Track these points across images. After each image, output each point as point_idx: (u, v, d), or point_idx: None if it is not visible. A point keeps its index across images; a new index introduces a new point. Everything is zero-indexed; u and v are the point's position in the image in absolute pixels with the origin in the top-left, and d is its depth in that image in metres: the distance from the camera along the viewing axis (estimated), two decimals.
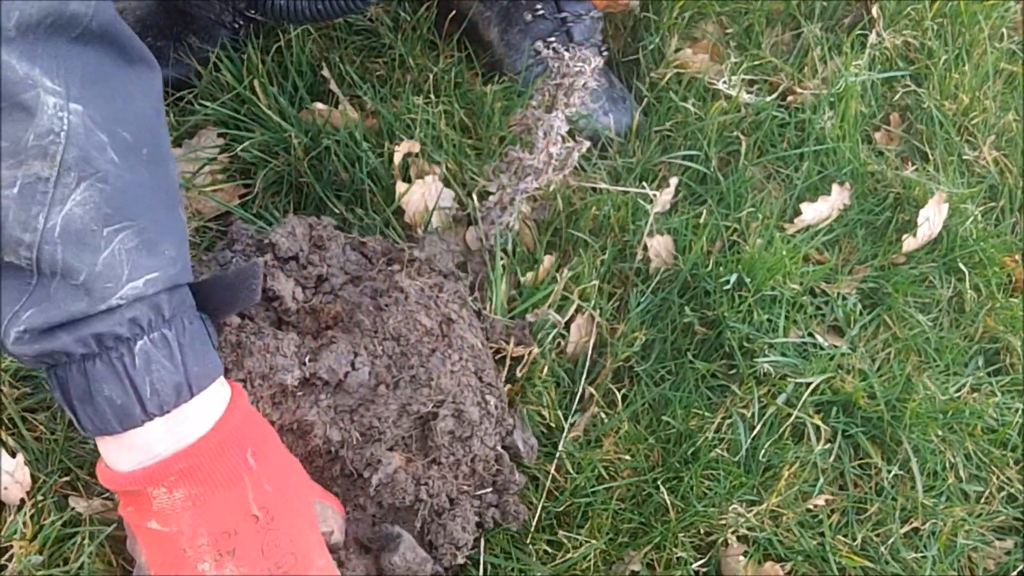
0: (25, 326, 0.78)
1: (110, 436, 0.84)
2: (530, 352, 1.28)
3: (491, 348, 1.26)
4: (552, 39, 1.59)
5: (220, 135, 1.39)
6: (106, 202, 0.77)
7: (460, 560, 1.12)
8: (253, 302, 0.92)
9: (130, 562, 1.09)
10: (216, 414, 0.88)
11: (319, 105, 1.41)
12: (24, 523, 1.11)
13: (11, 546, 1.10)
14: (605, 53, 1.55)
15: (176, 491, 0.84)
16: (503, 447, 1.20)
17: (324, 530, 0.98)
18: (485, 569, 1.17)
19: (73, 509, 1.13)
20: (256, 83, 1.39)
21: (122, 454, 0.85)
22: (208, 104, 1.38)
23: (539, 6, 1.59)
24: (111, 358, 0.80)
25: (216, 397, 0.88)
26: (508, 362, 1.28)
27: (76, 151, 0.75)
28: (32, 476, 1.14)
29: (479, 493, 1.16)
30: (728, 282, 1.40)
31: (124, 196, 0.78)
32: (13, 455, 1.15)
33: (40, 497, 1.13)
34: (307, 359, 1.07)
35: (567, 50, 1.20)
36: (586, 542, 1.20)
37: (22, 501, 1.13)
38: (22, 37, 0.71)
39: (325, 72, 1.45)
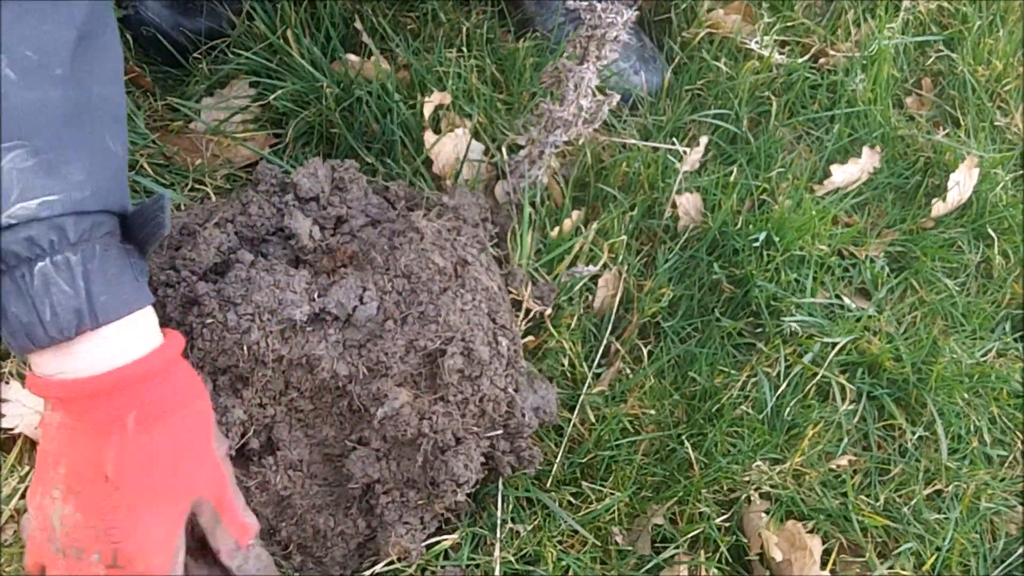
0: None
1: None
2: (544, 312, 1.28)
3: (511, 295, 1.26)
4: None
5: (252, 84, 1.40)
6: None
7: (460, 497, 1.12)
8: (162, 236, 0.87)
9: None
10: (125, 355, 0.85)
11: (352, 56, 1.41)
12: None
13: None
14: (637, 12, 1.54)
15: (56, 412, 0.85)
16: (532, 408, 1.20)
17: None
18: (506, 504, 1.18)
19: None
20: (289, 33, 1.39)
21: (38, 360, 0.85)
22: (241, 53, 1.39)
23: None
24: (14, 276, 0.79)
25: (134, 336, 0.85)
26: (525, 312, 1.28)
27: None
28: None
29: (489, 435, 1.16)
30: (757, 240, 1.39)
31: (17, 115, 0.77)
32: None
33: None
34: (316, 295, 1.08)
35: (600, 2, 1.19)
36: (610, 494, 1.21)
37: None
38: None
39: (358, 24, 1.45)
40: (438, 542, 1.14)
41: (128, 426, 0.83)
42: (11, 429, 1.13)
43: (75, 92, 0.80)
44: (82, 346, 0.82)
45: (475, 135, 1.39)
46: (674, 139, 1.47)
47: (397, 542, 1.10)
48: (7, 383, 1.15)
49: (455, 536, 1.15)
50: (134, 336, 0.85)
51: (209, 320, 1.06)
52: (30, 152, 0.77)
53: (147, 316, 0.87)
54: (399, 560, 1.12)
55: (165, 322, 1.11)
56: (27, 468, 1.11)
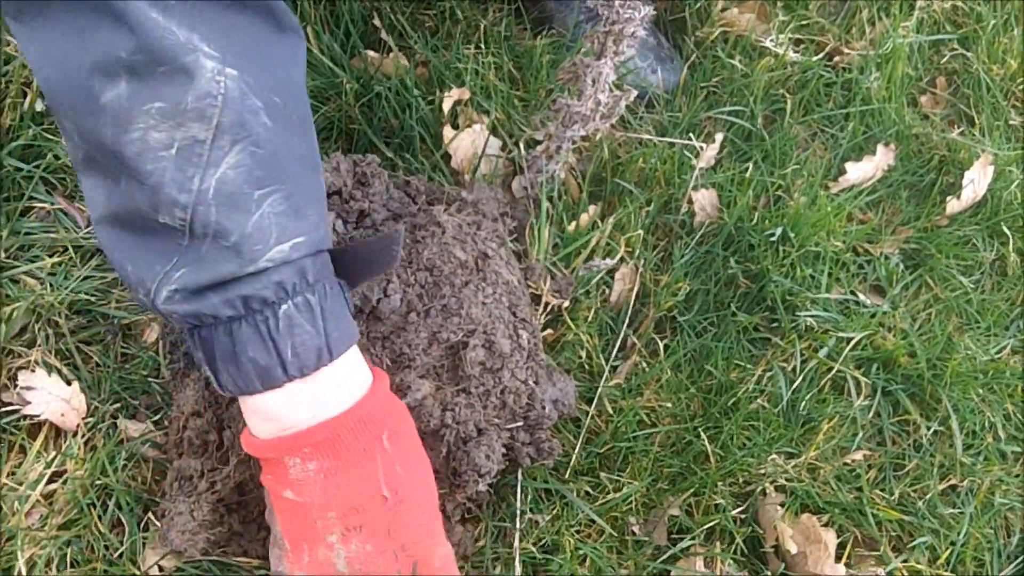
0: (177, 286, 0.80)
1: (250, 396, 0.86)
2: (561, 305, 1.29)
3: (530, 289, 1.28)
4: None
5: None
6: (258, 165, 0.78)
7: (482, 488, 1.13)
8: (392, 267, 0.93)
9: (160, 492, 1.12)
10: (353, 385, 0.89)
11: (371, 53, 1.43)
12: (79, 447, 1.14)
13: (66, 470, 1.13)
14: (654, 10, 1.55)
15: (310, 463, 0.86)
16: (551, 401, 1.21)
17: None
18: (525, 495, 1.19)
19: (122, 432, 1.16)
20: (308, 30, 1.40)
21: (264, 423, 0.88)
22: None
23: None
24: (256, 320, 0.81)
25: (352, 366, 0.89)
26: (544, 305, 1.30)
27: (232, 114, 0.76)
28: (87, 403, 1.17)
29: (509, 427, 1.17)
30: (773, 236, 1.40)
31: (275, 160, 0.79)
32: (69, 383, 1.18)
33: (93, 419, 1.16)
34: None
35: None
36: (628, 483, 1.22)
37: (78, 427, 1.16)
38: (180, 3, 0.73)
39: (376, 21, 1.46)
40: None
41: (386, 445, 0.88)
42: (37, 416, 1.14)
43: (307, 135, 0.84)
44: (323, 386, 0.86)
45: (492, 131, 1.40)
46: (690, 135, 1.48)
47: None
48: (33, 371, 1.17)
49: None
50: (357, 367, 0.90)
51: None
52: (284, 196, 0.80)
53: (356, 347, 0.91)
54: None
55: None
56: (53, 454, 1.13)
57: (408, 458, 0.91)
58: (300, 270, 0.82)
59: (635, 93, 1.28)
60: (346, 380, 0.88)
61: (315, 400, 0.86)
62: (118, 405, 1.19)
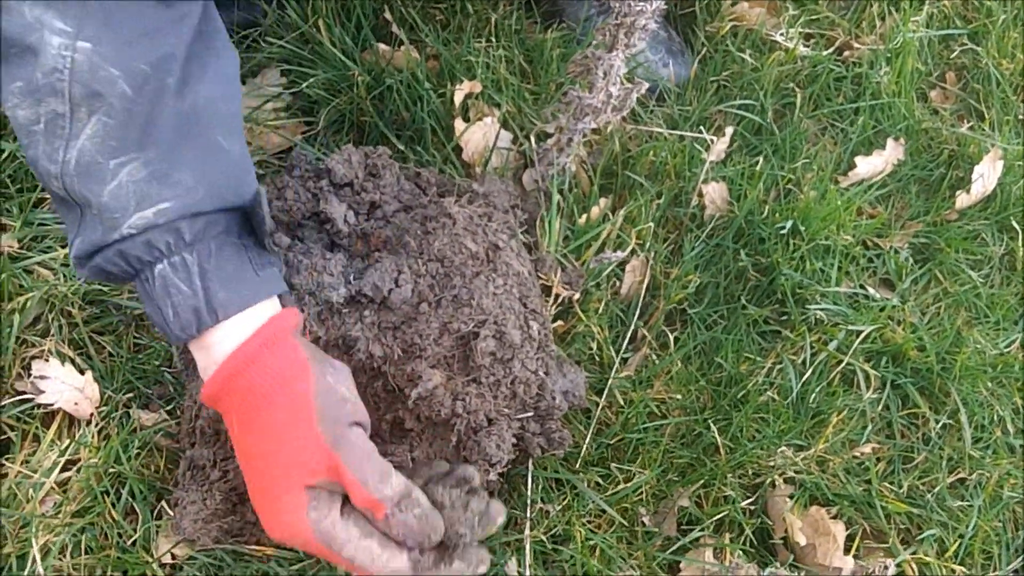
0: (75, 252, 0.83)
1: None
2: (572, 297, 1.30)
3: (540, 281, 1.28)
4: None
5: (283, 73, 1.42)
6: (110, 135, 0.79)
7: (492, 476, 1.14)
8: (266, 231, 0.90)
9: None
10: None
11: (382, 46, 1.43)
12: (92, 435, 1.15)
13: (79, 458, 1.14)
14: (664, 5, 1.56)
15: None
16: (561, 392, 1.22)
17: None
18: (536, 484, 1.20)
19: (135, 421, 1.17)
20: (320, 23, 1.41)
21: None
22: (274, 42, 1.41)
23: None
24: (141, 280, 0.83)
25: (247, 331, 0.85)
26: (555, 297, 1.30)
27: (81, 87, 0.77)
28: (100, 392, 1.18)
29: (520, 417, 1.18)
30: (784, 228, 1.41)
31: (130, 129, 0.79)
32: (82, 373, 1.18)
33: (106, 408, 1.17)
34: (352, 278, 1.10)
35: None
36: (638, 474, 1.22)
37: (91, 416, 1.17)
38: None
39: (388, 15, 1.47)
40: None
41: (234, 429, 0.87)
42: (51, 405, 1.15)
43: (186, 99, 0.83)
44: (213, 340, 0.84)
45: (503, 124, 1.41)
46: (701, 128, 1.48)
47: None
48: (46, 360, 1.18)
49: None
50: (252, 328, 0.86)
51: None
52: (142, 164, 0.80)
53: (272, 307, 0.88)
54: None
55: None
56: (67, 442, 1.14)
57: (254, 448, 0.87)
58: (175, 231, 0.81)
59: (646, 86, 1.28)
60: (240, 340, 0.85)
61: (204, 366, 0.86)
62: (131, 394, 1.20)
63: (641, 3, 1.18)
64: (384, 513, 0.88)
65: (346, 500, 0.88)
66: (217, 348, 0.85)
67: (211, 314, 0.83)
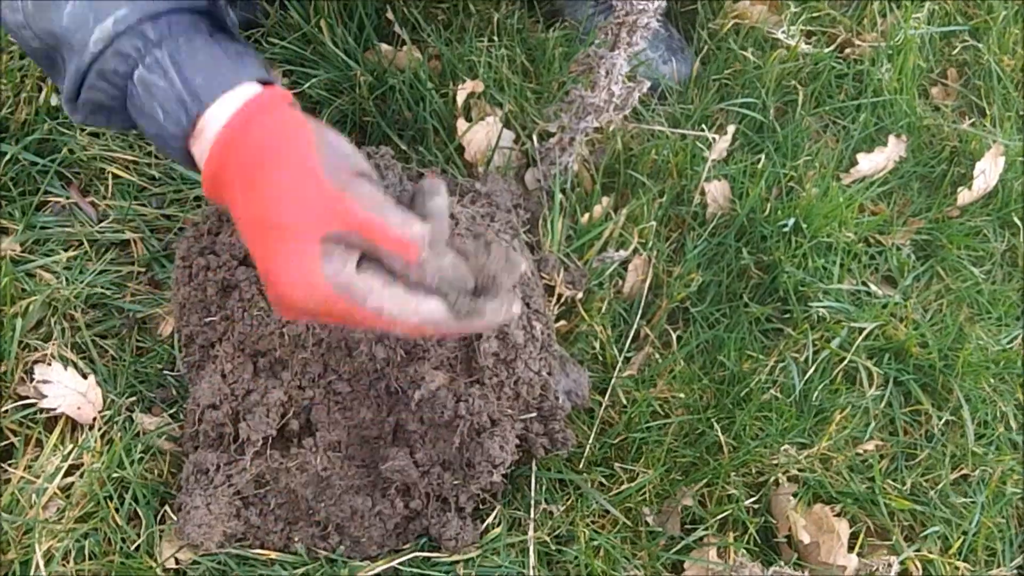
0: (65, 96, 0.86)
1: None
2: (575, 296, 1.30)
3: (544, 281, 1.28)
4: None
5: (285, 74, 1.41)
6: None
7: (496, 478, 1.14)
8: (233, 20, 0.90)
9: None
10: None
11: (384, 46, 1.43)
12: (95, 440, 1.15)
13: (83, 462, 1.14)
14: (665, 2, 1.56)
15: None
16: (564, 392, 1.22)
17: None
18: (540, 485, 1.20)
19: (138, 425, 1.17)
20: (323, 23, 1.41)
21: None
22: (276, 43, 1.41)
23: None
24: (130, 100, 0.84)
25: (236, 106, 0.84)
26: (557, 296, 1.30)
27: None
28: (103, 396, 1.18)
29: (523, 417, 1.18)
30: (786, 227, 1.41)
31: None
32: (85, 377, 1.18)
33: (109, 413, 1.17)
34: None
35: None
36: (642, 472, 1.23)
37: (94, 420, 1.17)
38: None
39: (389, 15, 1.47)
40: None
41: (237, 202, 0.82)
42: (54, 409, 1.15)
43: None
44: (204, 125, 0.83)
45: (505, 123, 1.41)
46: (703, 127, 1.48)
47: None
48: (49, 365, 1.18)
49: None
50: (243, 102, 0.84)
51: (250, 305, 1.08)
52: None
53: (258, 90, 0.85)
54: None
55: (207, 305, 1.14)
56: (70, 447, 1.14)
57: (260, 205, 0.82)
58: (140, 34, 0.82)
59: (648, 84, 1.29)
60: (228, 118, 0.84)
61: (201, 154, 0.84)
62: (134, 398, 1.20)
63: (643, 2, 1.18)
64: (417, 254, 0.81)
65: (362, 257, 0.82)
66: (210, 129, 0.83)
67: (195, 100, 0.82)
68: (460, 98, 1.38)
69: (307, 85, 1.37)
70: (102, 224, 1.30)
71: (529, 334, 1.17)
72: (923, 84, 1.71)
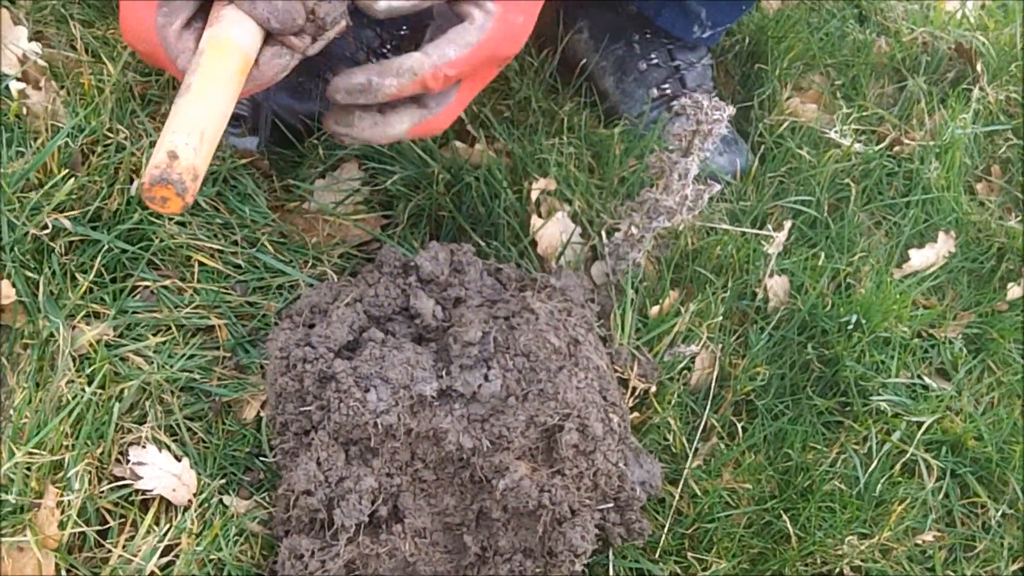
0: None
1: None
2: (648, 389, 1.34)
3: (617, 374, 1.33)
4: (666, 87, 1.67)
5: (364, 169, 1.48)
6: None
7: (577, 567, 1.17)
8: None
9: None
10: None
11: (458, 143, 1.49)
12: (191, 521, 1.18)
13: (179, 543, 1.18)
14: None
15: None
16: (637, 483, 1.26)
17: None
18: (616, 573, 1.23)
19: (232, 507, 1.21)
20: None
21: None
22: None
23: (653, 55, 1.67)
24: None
25: None
26: (631, 389, 1.34)
27: None
28: (196, 478, 1.22)
29: (601, 507, 1.22)
30: (849, 323, 1.45)
31: None
32: (178, 459, 1.23)
33: (204, 495, 1.21)
34: (443, 372, 1.15)
35: (705, 98, 1.27)
36: (715, 563, 1.26)
37: (189, 502, 1.21)
38: None
39: (461, 113, 1.53)
40: None
41: None
42: (149, 491, 1.19)
43: None
44: None
45: (572, 217, 1.46)
46: (767, 224, 1.54)
47: None
48: (144, 447, 1.22)
49: None
50: None
51: (347, 397, 1.13)
52: None
53: None
54: None
55: (303, 395, 1.18)
56: (165, 528, 1.17)
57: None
58: None
59: (719, 187, 1.34)
60: None
61: None
62: (223, 481, 1.24)
63: (717, 112, 1.24)
64: None
65: (195, 15, 0.91)
66: None
67: None
68: (534, 195, 1.44)
69: (389, 182, 1.43)
70: (188, 309, 1.35)
71: (607, 426, 1.21)
72: (968, 180, 1.77)
